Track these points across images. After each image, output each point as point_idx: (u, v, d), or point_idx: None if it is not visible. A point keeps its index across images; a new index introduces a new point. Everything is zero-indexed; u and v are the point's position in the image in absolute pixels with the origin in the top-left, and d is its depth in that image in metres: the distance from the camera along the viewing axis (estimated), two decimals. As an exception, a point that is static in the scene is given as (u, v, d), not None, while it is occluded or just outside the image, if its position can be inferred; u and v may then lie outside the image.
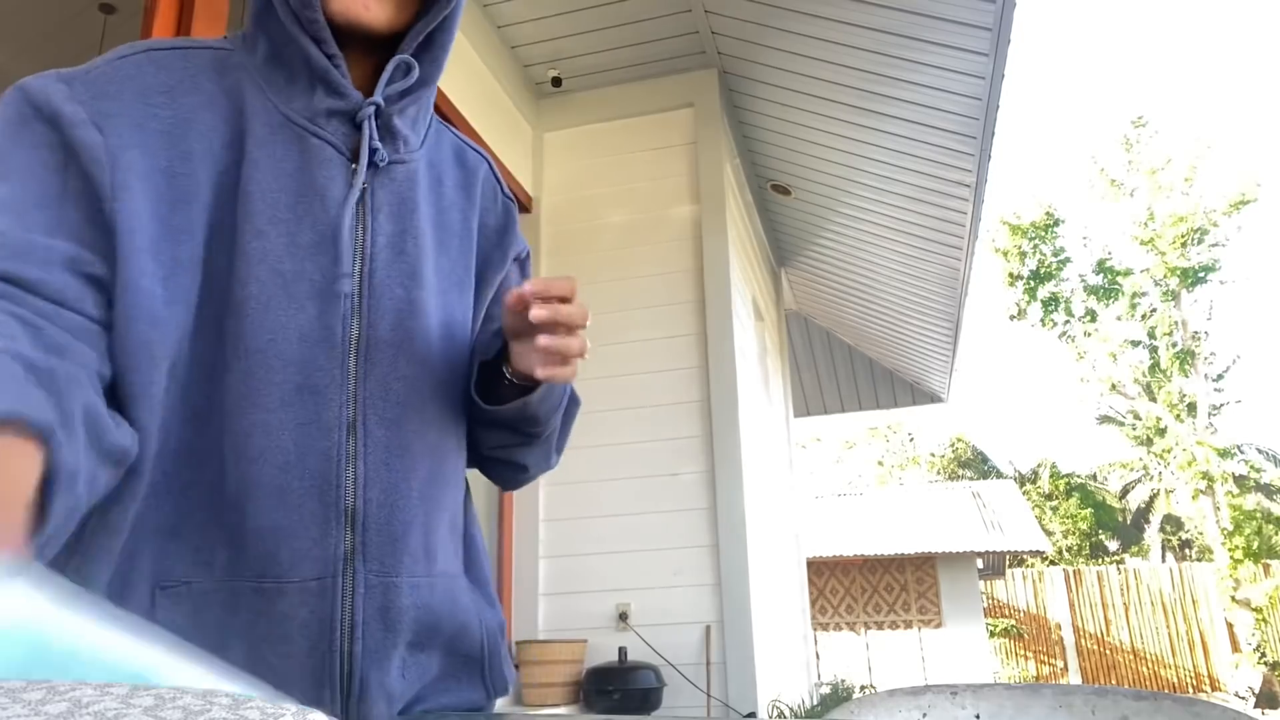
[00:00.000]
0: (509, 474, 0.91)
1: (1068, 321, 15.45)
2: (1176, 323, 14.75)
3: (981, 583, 13.92)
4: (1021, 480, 22.11)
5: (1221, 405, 14.63)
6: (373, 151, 0.75)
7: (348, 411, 0.71)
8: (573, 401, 0.89)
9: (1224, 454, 13.98)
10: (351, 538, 0.69)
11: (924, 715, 0.75)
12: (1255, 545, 13.34)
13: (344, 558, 0.68)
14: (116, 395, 0.66)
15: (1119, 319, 15.16)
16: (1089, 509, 20.54)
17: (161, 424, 0.67)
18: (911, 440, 26.26)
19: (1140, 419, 16.18)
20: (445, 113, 3.34)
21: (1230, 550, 13.29)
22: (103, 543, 0.65)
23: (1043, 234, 15.35)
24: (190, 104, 0.72)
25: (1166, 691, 1.55)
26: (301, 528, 0.68)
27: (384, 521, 0.70)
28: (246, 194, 0.71)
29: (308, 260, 0.71)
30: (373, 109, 0.75)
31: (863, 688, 9.26)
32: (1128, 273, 15.14)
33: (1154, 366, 14.95)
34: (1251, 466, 15.65)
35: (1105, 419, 18.45)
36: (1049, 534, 19.97)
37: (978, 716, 0.74)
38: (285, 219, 0.71)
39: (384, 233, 0.76)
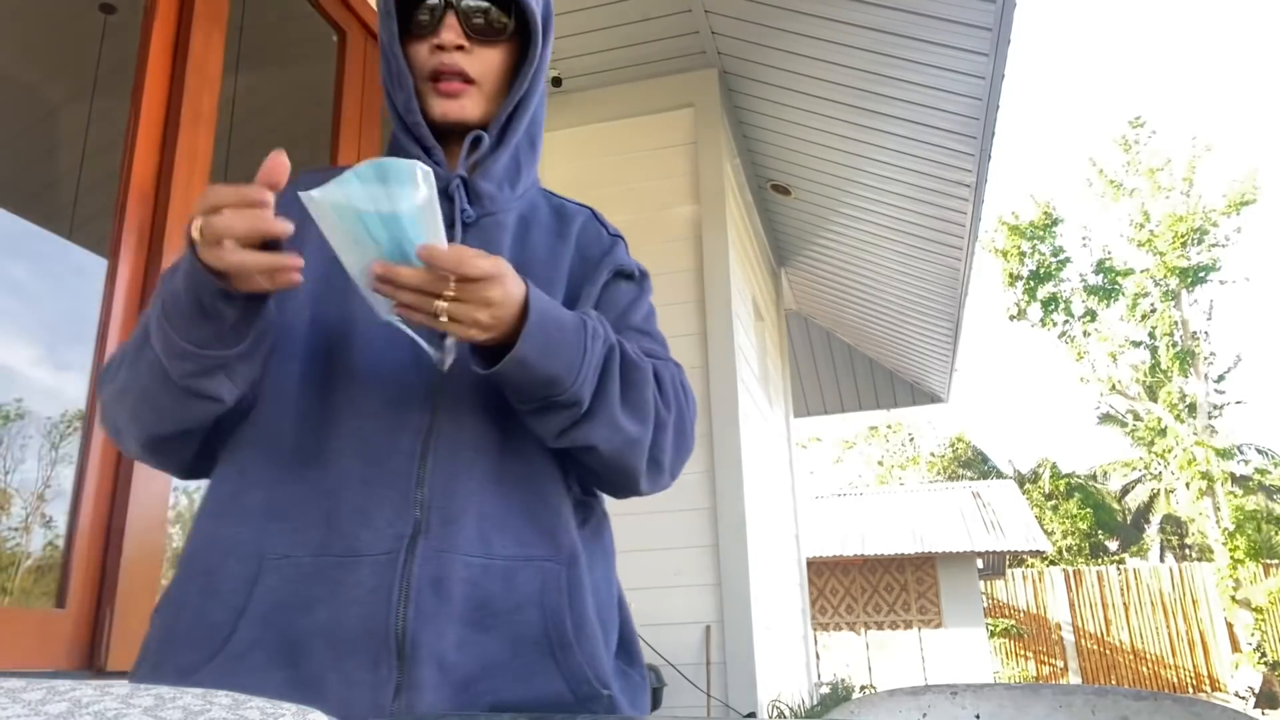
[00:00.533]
0: (597, 474, 0.93)
1: (1067, 321, 15.45)
2: (1176, 322, 14.75)
3: (981, 583, 13.92)
4: (1021, 480, 22.11)
5: (1222, 406, 14.64)
6: (461, 213, 0.95)
7: (428, 419, 0.86)
8: (626, 365, 0.89)
9: (1224, 454, 13.99)
10: (419, 517, 0.81)
11: (924, 715, 0.75)
12: (1256, 545, 13.35)
13: (410, 536, 0.81)
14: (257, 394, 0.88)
15: (1122, 318, 15.17)
16: (1089, 509, 20.54)
17: (280, 428, 0.86)
18: (911, 440, 26.27)
19: (1140, 419, 16.18)
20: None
21: (1230, 550, 13.29)
22: (232, 513, 0.83)
23: (1041, 234, 15.35)
24: None
25: (1166, 691, 1.55)
26: (380, 512, 0.81)
27: (443, 507, 0.82)
28: (364, 255, 0.86)
29: None
30: (458, 180, 0.95)
31: (863, 688, 9.26)
32: (1128, 272, 15.14)
33: (1154, 366, 14.96)
34: (1258, 470, 15.65)
35: (1105, 419, 18.45)
36: (1049, 534, 19.98)
37: (978, 716, 0.74)
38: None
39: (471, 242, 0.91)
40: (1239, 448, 14.47)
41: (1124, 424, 17.64)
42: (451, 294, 0.76)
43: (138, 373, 0.82)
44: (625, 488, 0.96)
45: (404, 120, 0.96)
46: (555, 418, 0.85)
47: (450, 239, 0.87)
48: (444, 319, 0.77)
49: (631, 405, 0.89)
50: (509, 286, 0.79)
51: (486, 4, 0.96)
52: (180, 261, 0.77)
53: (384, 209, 0.72)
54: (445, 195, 0.93)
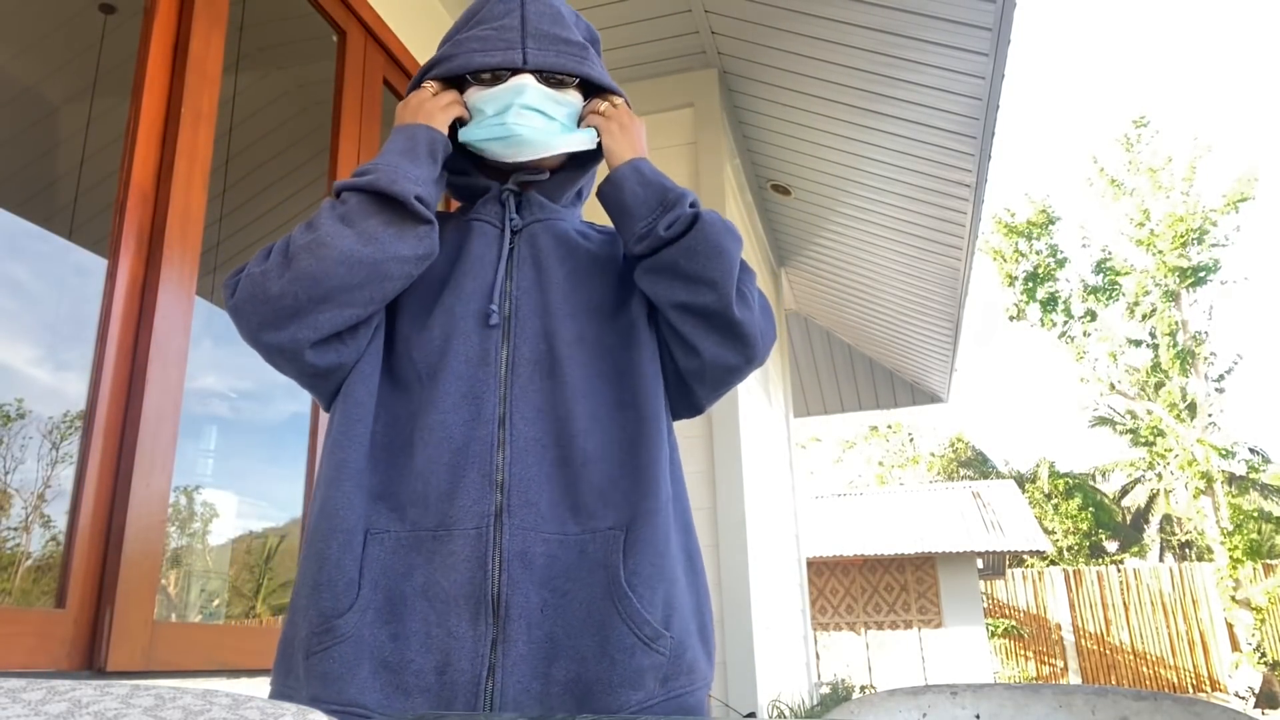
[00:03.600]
0: (705, 333, 1.05)
1: (1067, 321, 15.45)
2: (1177, 322, 14.75)
3: (981, 583, 13.92)
4: (1021, 480, 22.11)
5: (1222, 409, 14.63)
6: (510, 220, 1.11)
7: (499, 410, 0.99)
8: (703, 226, 1.03)
9: (1223, 454, 13.99)
10: (500, 499, 0.95)
11: (924, 715, 0.75)
12: (1255, 545, 13.34)
13: (494, 514, 0.95)
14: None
15: (1124, 318, 15.16)
16: (1089, 509, 20.53)
17: (372, 420, 1.01)
18: (911, 440, 26.26)
19: (1140, 419, 16.18)
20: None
21: (1230, 550, 13.29)
22: (340, 494, 0.97)
23: (1039, 232, 15.34)
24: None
25: (1166, 691, 1.55)
26: (465, 492, 0.95)
27: (522, 490, 0.96)
28: (432, 265, 1.08)
29: (472, 303, 1.05)
30: (509, 192, 1.12)
31: (863, 688, 9.26)
32: (1127, 272, 15.14)
33: (1154, 366, 14.96)
34: (1252, 467, 15.64)
35: (1105, 420, 18.45)
36: (1049, 534, 19.98)
37: (978, 716, 0.74)
38: (454, 275, 1.08)
39: (526, 278, 1.07)
40: (1231, 448, 14.44)
41: (1123, 424, 17.63)
42: (603, 107, 1.13)
43: (346, 228, 0.98)
44: (726, 295, 1.02)
45: (460, 169, 1.16)
46: (675, 217, 1.02)
47: (500, 246, 1.10)
48: (602, 110, 1.12)
49: (713, 261, 1.03)
50: (639, 130, 1.12)
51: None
52: (410, 129, 1.07)
53: None
54: (501, 204, 1.12)
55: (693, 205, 1.04)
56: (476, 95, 1.10)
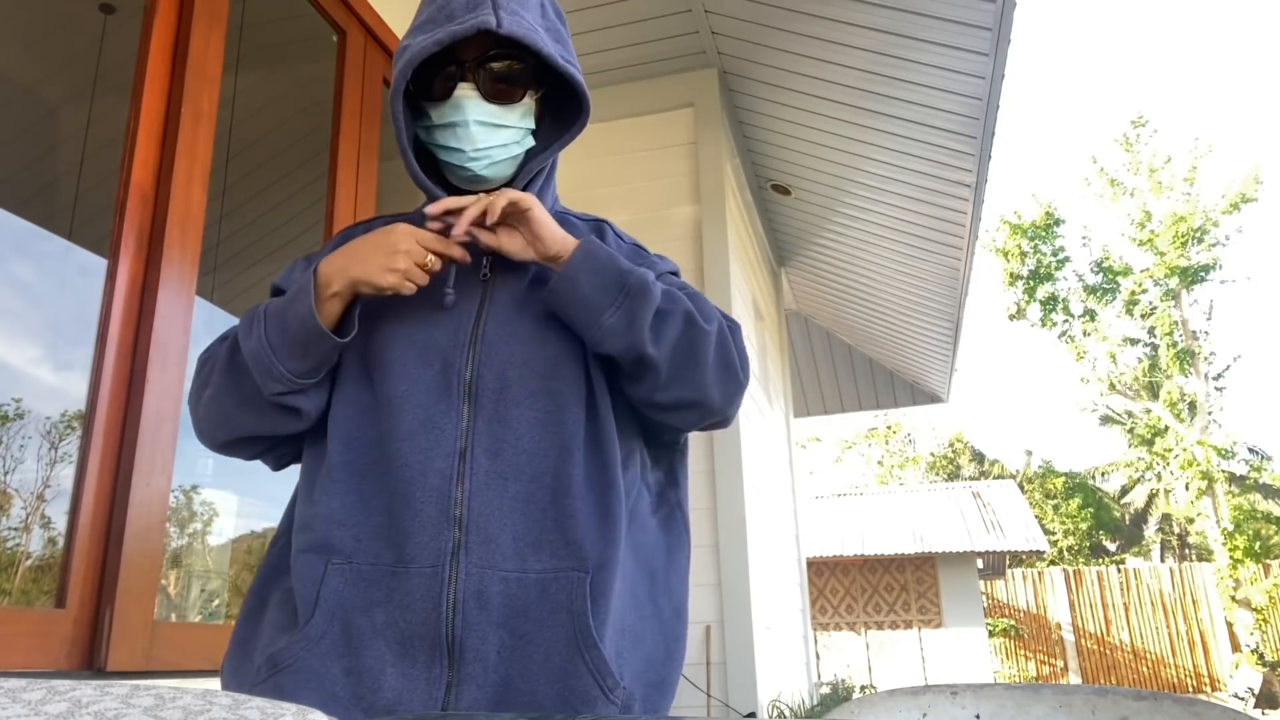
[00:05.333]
0: (693, 417, 1.03)
1: (1067, 321, 15.45)
2: (1176, 322, 14.75)
3: (981, 583, 13.92)
4: (1021, 480, 22.10)
5: (1222, 408, 14.62)
6: (485, 263, 1.05)
7: (460, 443, 0.94)
8: (667, 304, 0.99)
9: (1223, 454, 13.98)
10: (458, 536, 0.91)
11: (924, 715, 0.75)
12: (1255, 545, 13.34)
13: (451, 551, 0.90)
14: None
15: (1118, 317, 15.17)
16: (1089, 509, 20.53)
17: (335, 444, 0.98)
18: (911, 441, 26.25)
19: (1139, 419, 16.18)
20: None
21: (1230, 550, 13.28)
22: (305, 516, 0.96)
23: (1043, 234, 15.34)
24: None
25: (1166, 691, 1.55)
26: (423, 528, 0.91)
27: (481, 526, 0.91)
28: (397, 303, 1.02)
29: (437, 330, 1.00)
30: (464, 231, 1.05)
31: (863, 688, 9.26)
32: (1127, 272, 15.14)
33: (1154, 366, 14.95)
34: (1253, 466, 15.65)
35: (1106, 419, 18.44)
36: (1049, 534, 19.97)
37: (978, 716, 0.74)
38: (420, 302, 1.02)
39: (498, 303, 1.02)
40: (1230, 448, 14.44)
41: (1123, 424, 17.63)
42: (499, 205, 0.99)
43: (233, 384, 0.99)
44: (701, 401, 1.00)
45: (417, 181, 1.06)
46: (639, 306, 0.95)
47: (478, 282, 1.05)
48: (501, 205, 0.98)
49: (683, 311, 1.00)
50: (545, 214, 1.00)
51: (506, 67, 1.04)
52: (296, 307, 0.96)
53: None
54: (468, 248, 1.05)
55: (655, 285, 0.98)
56: (427, 105, 1.04)
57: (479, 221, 0.99)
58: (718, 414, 1.03)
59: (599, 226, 1.16)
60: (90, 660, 1.60)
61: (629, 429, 1.04)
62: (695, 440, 3.73)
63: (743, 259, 4.65)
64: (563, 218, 1.14)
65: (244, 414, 0.99)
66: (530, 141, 1.07)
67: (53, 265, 3.86)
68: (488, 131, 1.02)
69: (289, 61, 3.88)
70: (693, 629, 3.50)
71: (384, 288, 0.96)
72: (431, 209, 0.99)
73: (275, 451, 1.06)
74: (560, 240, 1.00)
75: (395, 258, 0.96)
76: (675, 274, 1.14)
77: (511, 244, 1.01)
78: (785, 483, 5.62)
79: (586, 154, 4.23)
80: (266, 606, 0.97)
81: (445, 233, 1.00)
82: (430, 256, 0.97)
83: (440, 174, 1.08)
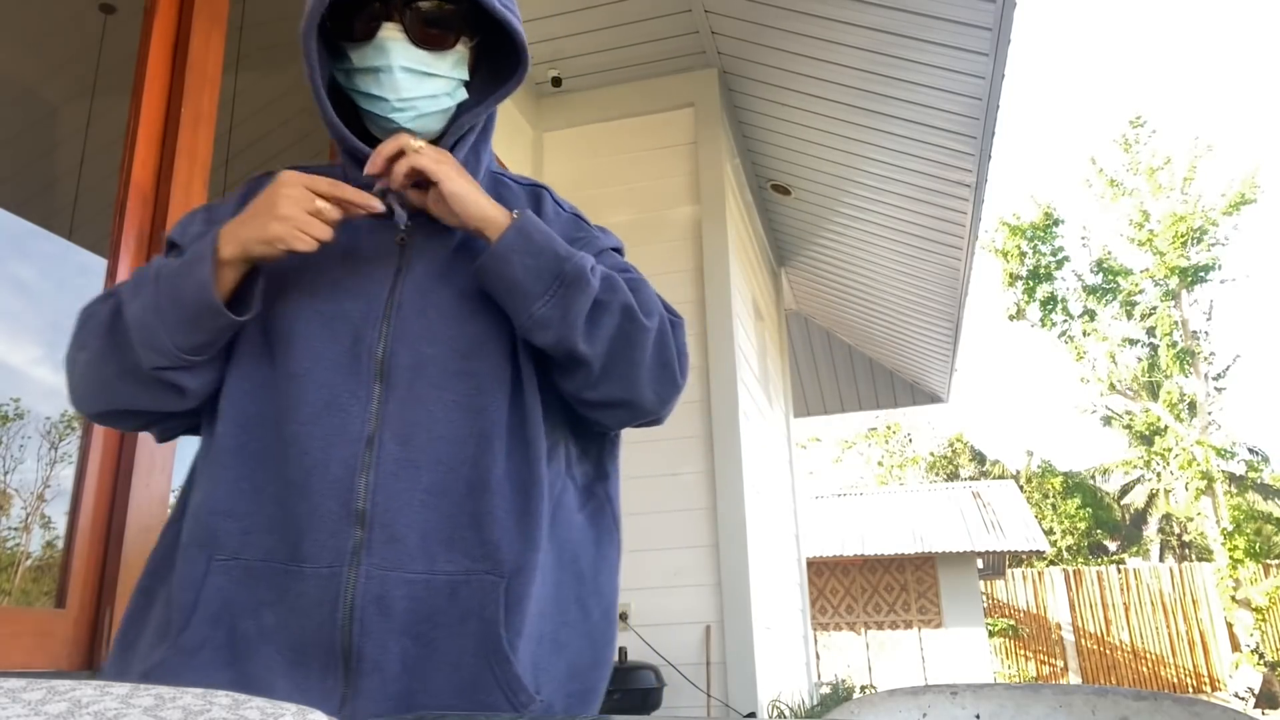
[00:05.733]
0: (624, 416, 0.95)
1: (1066, 321, 15.45)
2: (1176, 322, 14.76)
3: (981, 583, 13.91)
4: (1019, 480, 22.10)
5: (1222, 408, 14.63)
6: (405, 214, 0.93)
7: (368, 428, 0.84)
8: (603, 288, 0.91)
9: (1222, 454, 13.99)
10: (360, 535, 0.81)
11: (924, 715, 0.75)
12: (1255, 545, 13.34)
13: (352, 551, 0.81)
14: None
15: (1114, 318, 15.18)
16: (1088, 508, 20.54)
17: (226, 424, 0.87)
18: (910, 441, 26.26)
19: (1139, 419, 16.19)
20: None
21: (1230, 550, 13.28)
22: (190, 510, 0.86)
23: (1042, 234, 15.35)
24: None
25: (1166, 691, 1.55)
26: (321, 523, 0.81)
27: (386, 522, 0.81)
28: (305, 264, 0.90)
29: (347, 300, 0.89)
30: (387, 188, 0.93)
31: (863, 688, 9.26)
32: (1127, 272, 15.15)
33: (1153, 366, 14.96)
34: (1252, 466, 15.65)
35: (1106, 419, 18.45)
36: (1048, 534, 19.97)
37: (978, 716, 0.74)
38: (332, 269, 0.91)
39: (416, 271, 0.91)
40: (1229, 448, 14.45)
41: (1122, 424, 17.63)
42: (417, 145, 0.89)
43: (112, 350, 0.87)
44: (634, 400, 0.93)
45: (334, 131, 0.95)
46: (574, 296, 0.87)
47: (394, 247, 0.94)
48: (416, 147, 0.87)
49: (625, 300, 0.92)
50: (466, 173, 0.91)
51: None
52: (192, 276, 0.84)
53: None
54: (383, 201, 0.92)
55: (593, 273, 0.90)
56: (347, 46, 0.92)
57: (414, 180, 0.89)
58: (650, 414, 0.96)
59: (536, 193, 1.05)
60: (90, 660, 1.61)
61: (556, 418, 0.94)
62: (695, 440, 3.73)
63: (743, 259, 4.65)
64: (497, 181, 1.03)
65: (124, 385, 0.88)
66: (462, 94, 0.96)
67: (53, 265, 3.86)
68: (415, 80, 0.91)
69: (289, 61, 3.88)
70: (693, 629, 3.51)
71: (272, 240, 0.83)
72: (371, 165, 0.88)
73: (160, 425, 0.95)
74: (481, 212, 0.88)
75: (280, 204, 0.83)
76: (619, 251, 1.07)
77: (440, 207, 0.90)
78: (785, 483, 5.62)
79: (586, 154, 4.24)
80: (154, 604, 0.86)
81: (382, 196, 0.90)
82: (322, 203, 0.85)
83: (362, 124, 0.97)
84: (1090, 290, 15.35)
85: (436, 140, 0.95)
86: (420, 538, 0.82)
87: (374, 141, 0.94)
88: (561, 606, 0.89)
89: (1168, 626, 14.11)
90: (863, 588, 13.69)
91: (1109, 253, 15.46)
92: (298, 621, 0.80)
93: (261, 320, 0.90)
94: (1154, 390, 15.14)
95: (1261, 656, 12.81)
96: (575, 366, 0.90)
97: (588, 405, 0.93)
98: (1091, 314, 15.31)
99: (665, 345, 0.94)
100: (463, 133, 0.96)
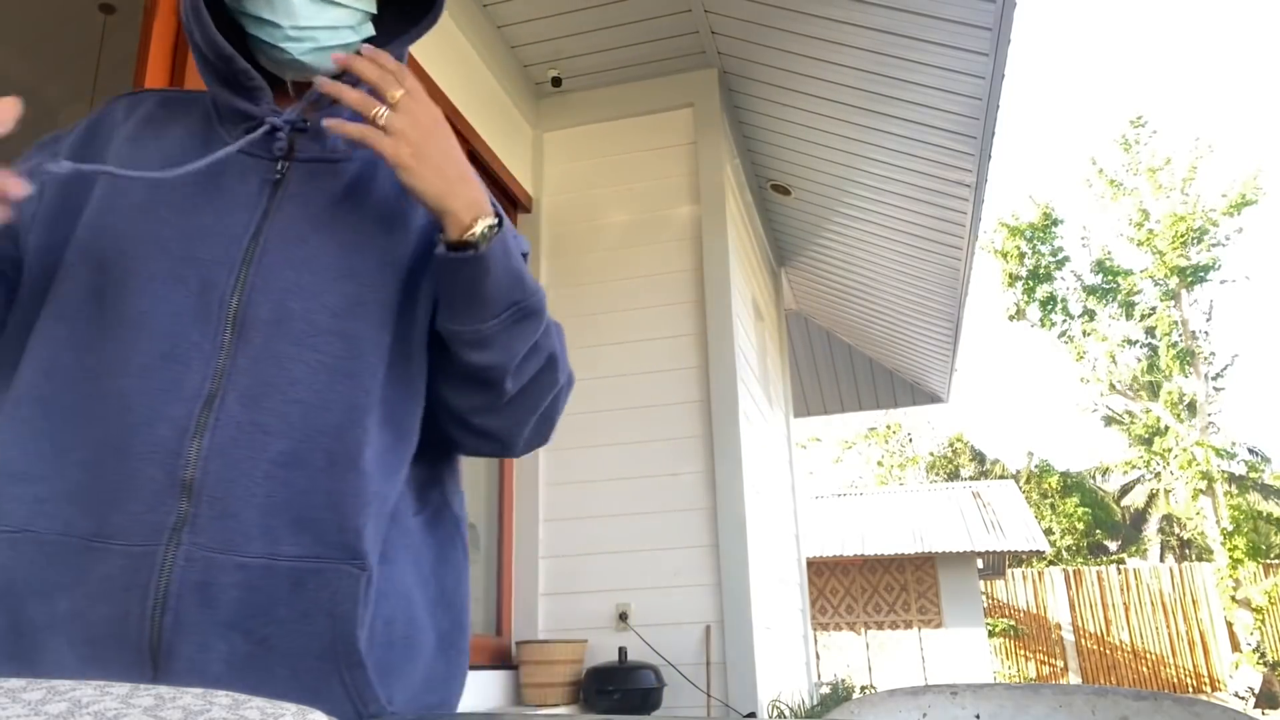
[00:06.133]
0: (485, 447, 0.89)
1: (1066, 321, 15.46)
2: (1176, 322, 14.76)
3: (981, 583, 13.92)
4: (1019, 479, 22.11)
5: (1220, 410, 14.64)
6: (279, 152, 0.82)
7: (211, 385, 0.72)
8: (544, 336, 0.84)
9: (1222, 454, 13.99)
10: (185, 508, 0.69)
11: (924, 715, 0.75)
12: (1256, 545, 13.34)
13: (173, 527, 0.68)
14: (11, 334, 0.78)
15: (1112, 318, 15.19)
16: (1086, 507, 20.55)
17: (30, 373, 0.74)
18: (910, 441, 26.26)
19: (1138, 419, 16.19)
20: (445, 112, 3.34)
21: (1230, 550, 13.29)
22: None
23: (1041, 234, 15.36)
24: (137, 121, 0.86)
25: (1166, 691, 1.55)
26: (137, 493, 0.69)
27: (218, 495, 0.69)
28: (157, 185, 0.78)
29: (199, 240, 0.77)
30: (276, 122, 0.82)
31: (863, 688, 9.27)
32: (1127, 273, 15.15)
33: (1153, 366, 14.97)
34: (1252, 467, 15.66)
35: (1107, 420, 18.45)
36: (1047, 533, 19.98)
37: (978, 716, 0.74)
38: (185, 206, 0.78)
39: (287, 213, 0.79)
40: (1229, 448, 14.46)
41: (1122, 424, 17.64)
42: (394, 97, 0.74)
43: None
44: (506, 439, 0.87)
45: (219, 52, 0.81)
46: (525, 329, 0.80)
47: (261, 178, 0.81)
48: (381, 123, 0.74)
49: (541, 392, 0.86)
50: (447, 141, 0.77)
51: None
52: None
53: None
54: (270, 136, 0.82)
55: (545, 309, 0.83)
56: None
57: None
58: (508, 455, 0.90)
59: None
60: None
61: (420, 404, 0.84)
62: (695, 440, 3.73)
63: (743, 259, 4.65)
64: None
65: None
66: (369, 30, 0.86)
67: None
68: (314, 7, 0.79)
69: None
70: (693, 629, 3.51)
71: None
72: (322, 84, 0.76)
73: None
74: (467, 194, 0.76)
75: None
76: (525, 256, 0.93)
77: (403, 175, 0.75)
78: (785, 483, 5.63)
79: (586, 154, 4.24)
80: None
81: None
82: None
83: (250, 53, 0.84)
84: (1090, 290, 15.35)
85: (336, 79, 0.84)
86: (261, 515, 0.70)
87: (264, 74, 0.83)
88: (413, 613, 0.79)
89: (1168, 626, 14.11)
90: (863, 588, 13.70)
91: (1109, 253, 15.48)
92: (98, 610, 0.66)
93: (90, 249, 0.76)
94: (1154, 390, 15.15)
95: (1262, 656, 12.82)
96: (481, 392, 0.82)
97: (462, 425, 0.85)
98: (1091, 314, 15.31)
99: (557, 404, 0.89)
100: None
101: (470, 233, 0.76)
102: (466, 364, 0.80)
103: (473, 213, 0.76)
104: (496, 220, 0.78)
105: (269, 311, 0.74)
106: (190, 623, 0.67)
